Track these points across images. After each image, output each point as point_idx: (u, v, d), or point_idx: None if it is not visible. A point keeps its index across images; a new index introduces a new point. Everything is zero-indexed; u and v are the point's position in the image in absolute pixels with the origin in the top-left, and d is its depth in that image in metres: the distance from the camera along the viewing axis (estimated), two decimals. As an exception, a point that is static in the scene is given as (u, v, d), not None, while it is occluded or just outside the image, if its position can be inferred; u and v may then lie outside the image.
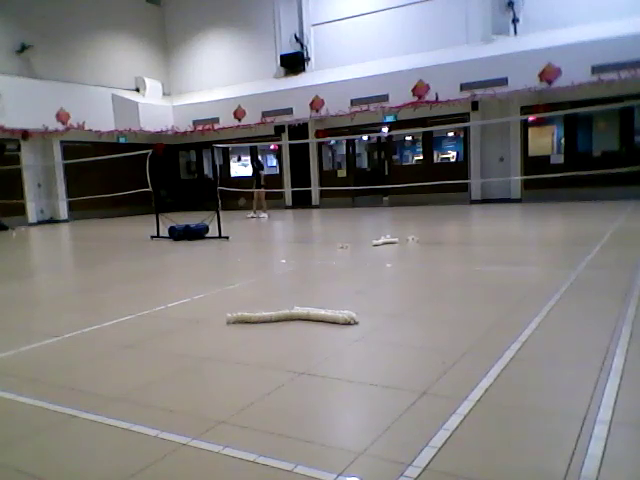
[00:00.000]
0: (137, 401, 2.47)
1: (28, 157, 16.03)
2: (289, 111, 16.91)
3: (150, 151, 10.28)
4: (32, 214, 16.22)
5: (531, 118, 14.11)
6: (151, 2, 19.95)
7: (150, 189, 10.35)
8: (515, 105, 14.04)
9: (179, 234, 9.43)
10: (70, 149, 16.64)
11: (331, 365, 2.85)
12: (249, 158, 19.62)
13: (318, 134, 16.58)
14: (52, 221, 16.65)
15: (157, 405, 2.41)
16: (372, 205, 16.68)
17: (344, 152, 17.81)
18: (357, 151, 18.62)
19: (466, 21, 15.01)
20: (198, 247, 8.59)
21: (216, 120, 18.25)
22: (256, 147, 18.81)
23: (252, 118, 17.60)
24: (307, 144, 17.08)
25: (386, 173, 17.59)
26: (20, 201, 15.56)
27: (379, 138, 18.01)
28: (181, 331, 3.66)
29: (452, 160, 18.96)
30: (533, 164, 14.33)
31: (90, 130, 16.82)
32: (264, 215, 14.24)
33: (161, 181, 15.57)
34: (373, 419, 2.21)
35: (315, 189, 17.19)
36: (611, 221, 8.82)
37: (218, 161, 17.34)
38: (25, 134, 15.68)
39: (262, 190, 14.27)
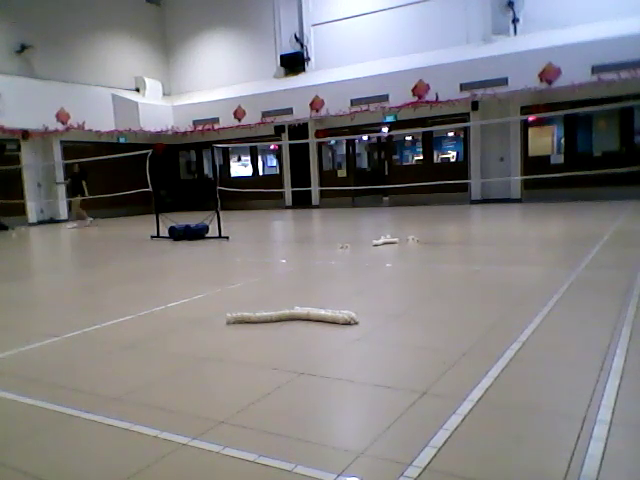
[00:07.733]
0: (137, 401, 2.46)
1: (28, 157, 16.04)
2: (289, 111, 16.90)
3: (150, 151, 10.28)
4: (32, 214, 16.23)
5: (531, 118, 14.10)
6: (151, 2, 19.96)
7: (150, 189, 10.35)
8: (515, 105, 14.03)
9: (179, 234, 9.43)
10: (70, 149, 16.63)
11: (331, 365, 2.84)
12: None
13: (318, 134, 16.58)
14: (52, 221, 16.65)
15: (157, 405, 2.41)
16: (372, 205, 16.68)
17: (344, 152, 17.80)
18: (357, 151, 18.62)
19: (466, 21, 15.01)
20: (198, 247, 8.59)
21: (216, 120, 18.25)
22: (256, 147, 18.83)
23: (252, 118, 17.60)
24: (307, 144, 17.08)
25: (386, 173, 17.58)
26: (20, 201, 15.57)
27: (379, 138, 18.00)
28: (181, 331, 3.66)
29: (452, 160, 18.98)
30: (533, 164, 14.33)
31: (90, 130, 16.82)
32: (75, 224, 13.48)
33: (161, 181, 15.56)
34: (373, 419, 2.21)
35: (315, 189, 17.19)
36: (611, 221, 8.81)
37: (218, 161, 17.32)
38: (25, 134, 15.68)
39: (78, 198, 13.81)
